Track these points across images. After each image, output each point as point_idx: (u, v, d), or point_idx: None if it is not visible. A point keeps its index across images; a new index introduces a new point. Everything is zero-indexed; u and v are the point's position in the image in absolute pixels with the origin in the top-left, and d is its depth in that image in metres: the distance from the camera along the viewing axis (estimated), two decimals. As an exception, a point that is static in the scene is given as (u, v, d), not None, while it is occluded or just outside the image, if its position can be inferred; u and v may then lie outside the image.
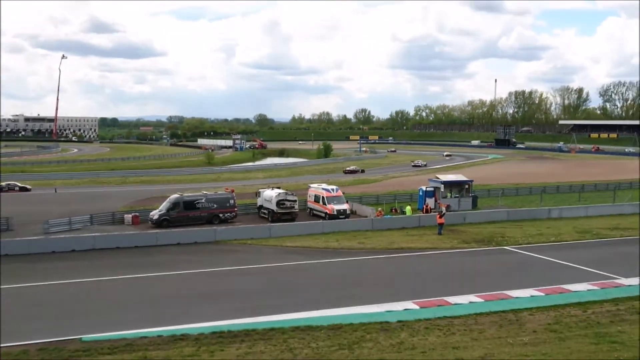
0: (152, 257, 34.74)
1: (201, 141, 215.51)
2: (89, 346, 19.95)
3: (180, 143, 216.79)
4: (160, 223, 44.67)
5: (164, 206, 46.27)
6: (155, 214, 45.63)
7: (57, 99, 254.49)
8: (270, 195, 48.21)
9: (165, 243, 38.06)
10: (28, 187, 71.84)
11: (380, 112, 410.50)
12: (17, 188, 70.42)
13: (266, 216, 48.40)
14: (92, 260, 33.77)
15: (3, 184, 70.59)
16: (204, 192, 49.40)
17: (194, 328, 21.77)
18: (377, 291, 27.42)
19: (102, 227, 44.15)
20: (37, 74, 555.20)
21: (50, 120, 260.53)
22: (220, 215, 46.90)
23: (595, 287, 28.01)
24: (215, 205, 47.03)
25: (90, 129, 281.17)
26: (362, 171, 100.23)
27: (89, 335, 20.93)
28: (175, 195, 47.50)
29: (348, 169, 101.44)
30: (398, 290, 27.34)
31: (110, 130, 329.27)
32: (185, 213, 45.83)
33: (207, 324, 22.22)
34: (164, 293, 27.19)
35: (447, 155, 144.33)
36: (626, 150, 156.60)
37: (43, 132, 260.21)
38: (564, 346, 20.34)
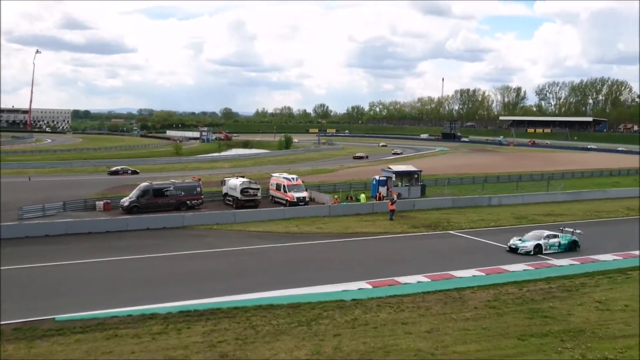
0: (123, 242, 34.16)
1: (170, 133, 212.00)
2: (61, 325, 19.57)
3: (150, 134, 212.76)
4: (130, 209, 43.90)
5: (134, 193, 45.46)
6: (125, 201, 44.81)
7: (32, 92, 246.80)
8: (234, 183, 47.85)
9: (136, 228, 37.45)
10: (137, 171, 76.64)
11: (338, 107, 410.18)
12: (129, 172, 75.48)
13: (231, 203, 48.03)
14: (65, 244, 33.02)
15: (118, 167, 76.82)
16: (172, 181, 48.72)
17: (163, 308, 21.55)
18: (333, 272, 27.56)
19: (74, 213, 43.15)
20: (12, 67, 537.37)
21: (25, 111, 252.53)
22: (188, 202, 46.34)
23: (530, 268, 28.69)
24: (183, 193, 46.44)
25: (64, 121, 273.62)
26: (367, 157, 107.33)
27: (62, 315, 20.53)
28: (145, 184, 46.69)
29: (357, 155, 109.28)
30: (353, 272, 27.52)
31: (83, 122, 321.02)
32: (154, 200, 45.13)
33: (174, 304, 22.01)
34: (134, 275, 26.82)
35: (382, 146, 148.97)
36: (546, 143, 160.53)
37: (18, 123, 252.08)
38: (502, 321, 20.80)
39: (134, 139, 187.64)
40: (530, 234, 33.27)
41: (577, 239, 32.92)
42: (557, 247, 32.18)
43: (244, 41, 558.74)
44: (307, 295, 23.43)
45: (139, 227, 37.65)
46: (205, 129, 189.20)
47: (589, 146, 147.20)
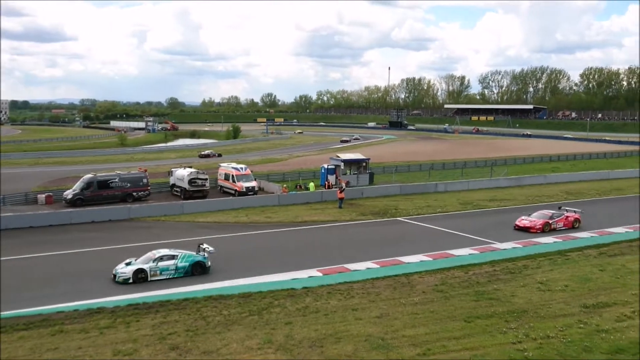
0: (67, 235, 33.23)
1: (114, 123, 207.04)
2: (5, 323, 18.94)
3: (93, 125, 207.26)
4: (74, 202, 42.75)
5: (77, 186, 44.29)
6: (69, 194, 43.62)
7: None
8: (182, 174, 47.21)
9: (80, 221, 36.48)
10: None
11: (286, 97, 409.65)
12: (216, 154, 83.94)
13: (179, 194, 47.40)
14: (5, 239, 31.82)
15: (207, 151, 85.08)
16: (118, 172, 47.68)
17: (110, 301, 21.13)
18: (283, 261, 27.57)
19: (14, 207, 41.71)
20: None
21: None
22: (134, 193, 45.46)
23: (475, 252, 29.40)
24: (128, 185, 45.52)
25: (1, 112, 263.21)
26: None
27: (5, 312, 19.87)
28: (88, 175, 45.53)
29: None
30: (303, 260, 27.60)
31: (22, 112, 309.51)
32: (99, 192, 44.08)
33: (122, 297, 21.63)
34: (79, 269, 26.14)
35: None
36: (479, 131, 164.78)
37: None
38: (449, 304, 21.29)
39: (76, 130, 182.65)
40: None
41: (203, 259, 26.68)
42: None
43: (189, 30, 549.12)
44: (257, 285, 23.38)
45: (84, 220, 36.70)
46: (151, 119, 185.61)
47: (526, 133, 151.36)
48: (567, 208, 37.14)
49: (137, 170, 50.95)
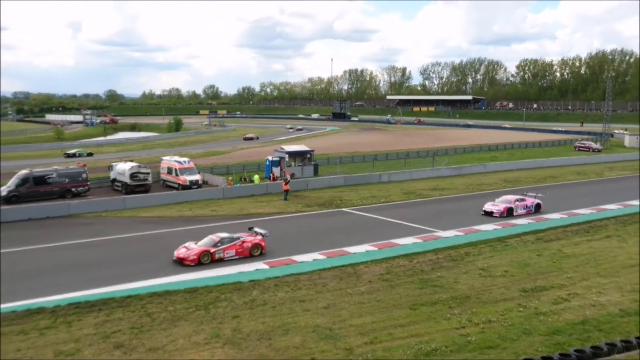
0: (2, 233, 31.92)
1: (49, 117, 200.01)
2: None
3: (27, 119, 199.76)
4: (9, 199, 41.10)
5: (12, 182, 42.58)
6: (3, 191, 41.89)
7: None
8: (123, 168, 46.11)
9: (16, 219, 35.09)
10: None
11: (228, 88, 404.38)
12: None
13: (120, 189, 46.29)
14: None
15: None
16: (55, 167, 46.10)
17: (50, 301, 20.48)
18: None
19: (-56, 205, 39.75)
20: None
21: None
22: (73, 189, 44.09)
23: (419, 240, 29.96)
24: (67, 180, 44.10)
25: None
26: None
27: (-64, 316, 18.96)
28: (24, 171, 43.85)
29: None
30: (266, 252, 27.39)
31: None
32: (35, 188, 42.53)
33: (63, 296, 21.00)
34: (16, 268, 25.15)
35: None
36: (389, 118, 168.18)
37: None
38: (394, 292, 21.67)
39: (9, 124, 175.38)
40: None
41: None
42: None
43: (127, 20, 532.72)
44: (204, 279, 23.16)
45: (20, 218, 35.35)
46: (89, 112, 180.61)
47: (467, 123, 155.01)
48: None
49: (75, 165, 49.44)
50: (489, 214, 36.28)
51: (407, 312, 19.60)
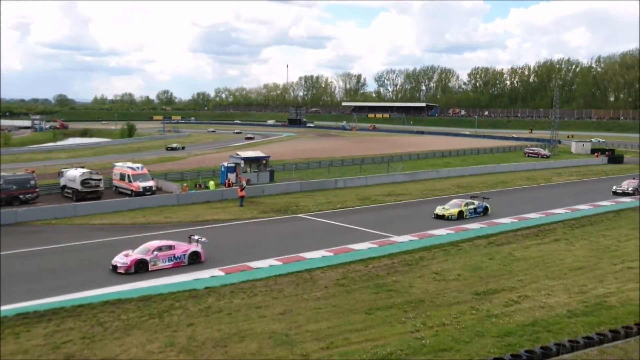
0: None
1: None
2: None
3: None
4: (-48, 207, 39.55)
5: (-44, 189, 41.02)
6: (-54, 198, 40.32)
7: None
8: (74, 174, 44.98)
9: (-40, 227, 33.79)
10: None
11: (183, 94, 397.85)
12: None
13: (70, 196, 45.13)
14: None
15: None
16: (2, 174, 44.59)
17: (-4, 312, 19.78)
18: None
19: None
20: None
21: None
22: (21, 196, 42.70)
23: (374, 245, 30.22)
24: (14, 187, 42.67)
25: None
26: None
27: None
28: (-32, 178, 42.31)
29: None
30: (205, 260, 27.16)
31: None
32: (-19, 196, 41.08)
33: (10, 307, 20.31)
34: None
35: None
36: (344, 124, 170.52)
37: None
38: (350, 297, 21.79)
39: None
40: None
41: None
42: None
43: (78, 23, 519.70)
44: (157, 287, 22.79)
45: (-36, 226, 34.04)
46: (38, 117, 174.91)
47: (420, 130, 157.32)
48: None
49: (23, 172, 47.96)
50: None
51: (362, 317, 19.73)
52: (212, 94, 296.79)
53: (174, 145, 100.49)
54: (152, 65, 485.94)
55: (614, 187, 49.47)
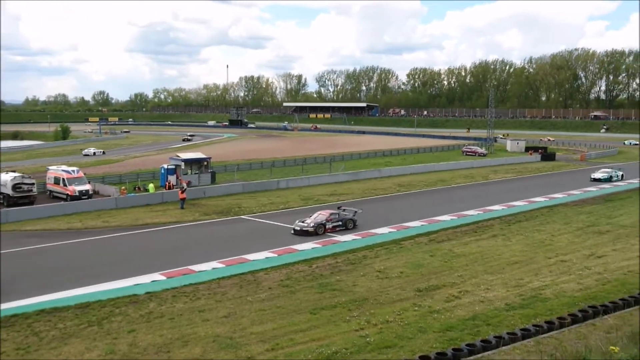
0: None
1: None
2: None
3: None
4: None
5: None
6: None
7: None
8: (4, 179, 43.18)
9: None
10: None
11: (120, 95, 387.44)
12: None
13: (1, 201, 43.31)
14: None
15: None
16: None
17: None
18: (124, 266, 26.37)
19: None
20: None
21: None
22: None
23: (318, 245, 30.31)
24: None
25: None
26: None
27: None
28: None
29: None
30: (145, 264, 26.64)
31: None
32: None
33: (-63, 319, 19.30)
34: None
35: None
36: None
37: None
38: (295, 298, 21.79)
39: None
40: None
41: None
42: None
43: (6, 21, 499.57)
44: (96, 294, 22.13)
45: None
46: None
47: (362, 130, 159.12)
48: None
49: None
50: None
51: (307, 317, 19.76)
52: (150, 95, 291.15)
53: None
54: (87, 65, 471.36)
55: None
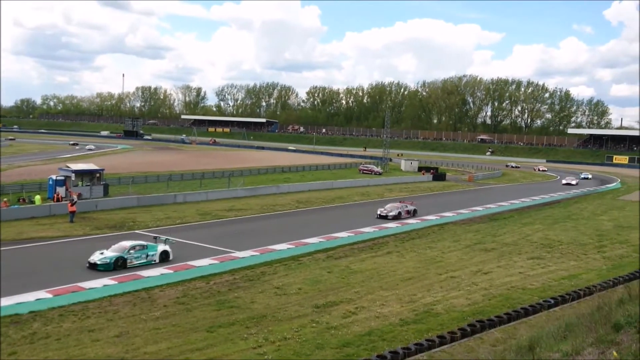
0: None
1: None
2: None
3: None
4: None
5: None
6: None
7: None
8: None
9: None
10: None
11: (4, 100, 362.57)
12: None
13: None
14: None
15: None
16: None
17: None
18: (5, 284, 24.50)
19: None
20: None
21: None
22: None
23: (216, 261, 29.77)
24: None
25: None
26: None
27: None
28: None
29: None
30: (29, 281, 24.94)
31: None
32: None
33: None
34: None
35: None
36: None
37: None
38: (191, 315, 21.26)
39: None
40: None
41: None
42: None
43: None
44: (-28, 314, 20.45)
45: None
46: None
47: (261, 145, 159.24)
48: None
49: None
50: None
51: (204, 335, 19.30)
52: (39, 101, 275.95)
53: None
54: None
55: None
